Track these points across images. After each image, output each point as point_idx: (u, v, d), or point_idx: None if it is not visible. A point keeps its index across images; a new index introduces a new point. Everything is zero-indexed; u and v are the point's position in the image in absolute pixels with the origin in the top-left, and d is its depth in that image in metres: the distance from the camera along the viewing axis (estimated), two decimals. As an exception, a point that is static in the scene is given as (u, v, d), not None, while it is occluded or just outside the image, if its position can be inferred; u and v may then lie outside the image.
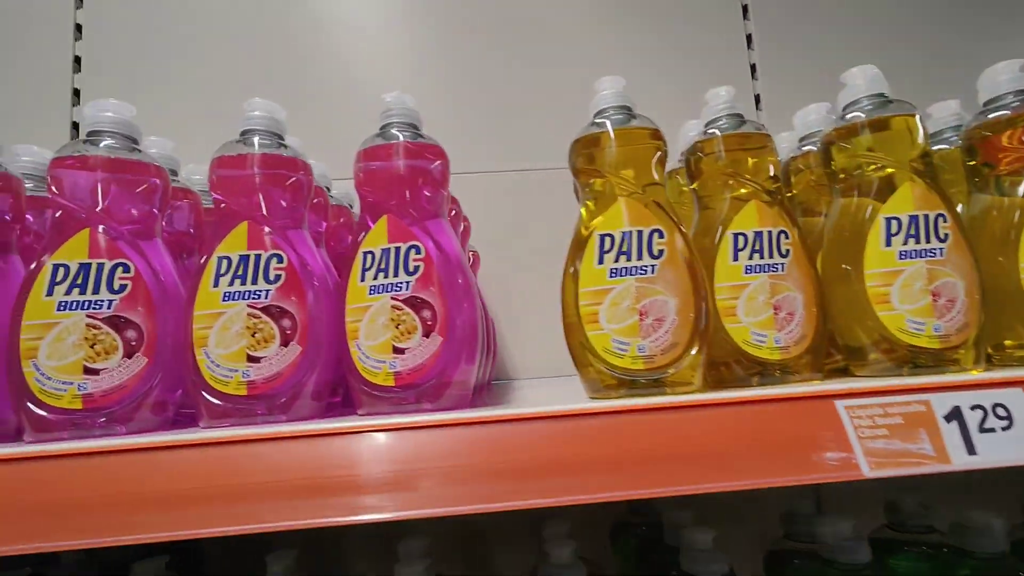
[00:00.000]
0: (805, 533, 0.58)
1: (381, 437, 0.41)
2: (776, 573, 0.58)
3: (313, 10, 1.20)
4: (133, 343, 0.48)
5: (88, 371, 0.46)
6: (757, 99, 1.20)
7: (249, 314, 0.48)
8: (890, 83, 0.55)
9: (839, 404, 0.42)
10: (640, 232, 0.49)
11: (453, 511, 0.40)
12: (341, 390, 0.58)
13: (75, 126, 1.17)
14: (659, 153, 0.51)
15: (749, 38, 1.23)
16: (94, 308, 0.47)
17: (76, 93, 1.19)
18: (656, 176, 0.51)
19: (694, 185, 0.57)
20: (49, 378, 0.46)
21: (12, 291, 0.50)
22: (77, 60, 1.20)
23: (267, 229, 0.50)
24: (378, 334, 0.49)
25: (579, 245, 0.51)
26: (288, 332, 0.49)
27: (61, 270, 0.47)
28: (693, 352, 0.48)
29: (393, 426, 0.41)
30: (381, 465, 0.39)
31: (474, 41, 1.18)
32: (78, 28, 1.21)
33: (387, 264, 0.50)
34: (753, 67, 1.22)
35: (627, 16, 1.23)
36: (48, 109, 1.17)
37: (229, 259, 0.49)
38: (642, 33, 1.22)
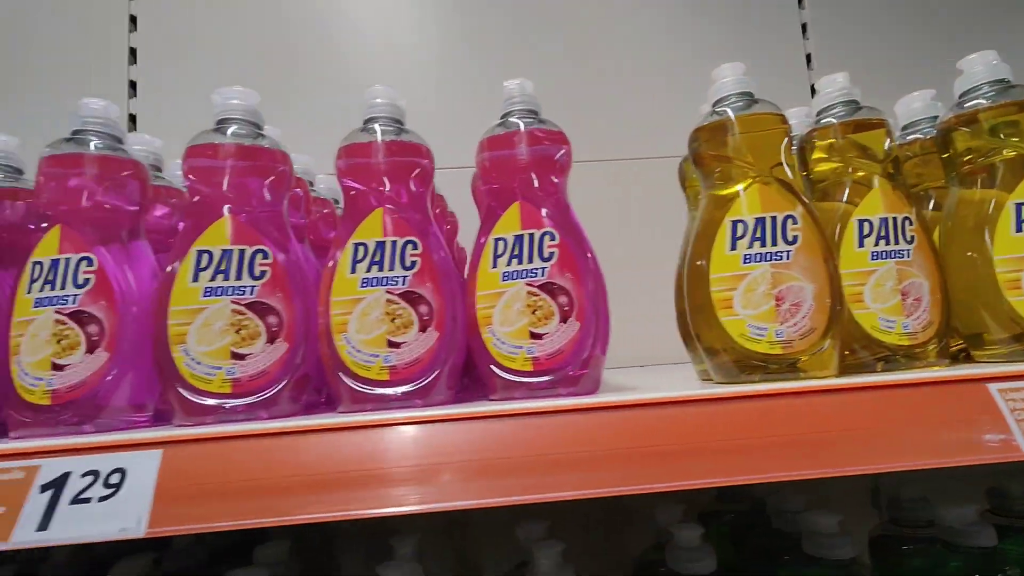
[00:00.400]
0: (915, 518, 0.59)
1: (540, 420, 0.42)
2: (886, 557, 0.59)
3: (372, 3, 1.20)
4: (274, 329, 0.48)
5: (235, 356, 0.47)
6: (812, 89, 1.20)
7: (388, 300, 0.49)
8: (956, 73, 0.55)
9: (992, 387, 0.42)
10: (774, 218, 0.49)
11: (611, 491, 0.40)
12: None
13: (132, 119, 1.17)
14: (786, 138, 0.52)
15: (804, 27, 1.23)
16: (237, 294, 0.48)
17: (132, 85, 1.19)
18: (784, 160, 0.51)
19: (808, 173, 0.57)
20: (199, 363, 0.46)
21: (145, 276, 0.51)
22: (132, 52, 1.20)
23: (400, 216, 0.50)
24: (514, 320, 0.49)
25: (707, 233, 0.51)
26: (425, 318, 0.49)
27: (205, 256, 0.48)
28: (831, 337, 0.48)
29: (551, 409, 0.42)
30: (556, 445, 0.40)
31: (507, 31, 1.18)
32: (132, 20, 1.21)
33: (521, 250, 0.50)
34: (808, 57, 1.22)
35: (679, 5, 1.23)
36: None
37: (365, 245, 0.49)
38: (695, 23, 1.22)
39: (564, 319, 0.49)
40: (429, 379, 0.48)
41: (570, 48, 1.18)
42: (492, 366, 0.50)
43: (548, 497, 0.39)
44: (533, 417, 0.42)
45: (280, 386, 0.48)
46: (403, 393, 0.48)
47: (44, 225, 0.60)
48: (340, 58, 1.17)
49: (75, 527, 0.37)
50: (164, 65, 1.20)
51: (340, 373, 0.48)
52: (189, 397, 0.46)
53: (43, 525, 0.37)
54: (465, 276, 0.53)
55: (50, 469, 0.39)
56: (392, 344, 0.48)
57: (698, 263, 0.51)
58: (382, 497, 0.38)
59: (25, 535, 0.37)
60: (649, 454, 0.41)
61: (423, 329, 0.49)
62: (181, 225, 0.57)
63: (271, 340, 0.48)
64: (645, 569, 0.57)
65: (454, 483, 0.39)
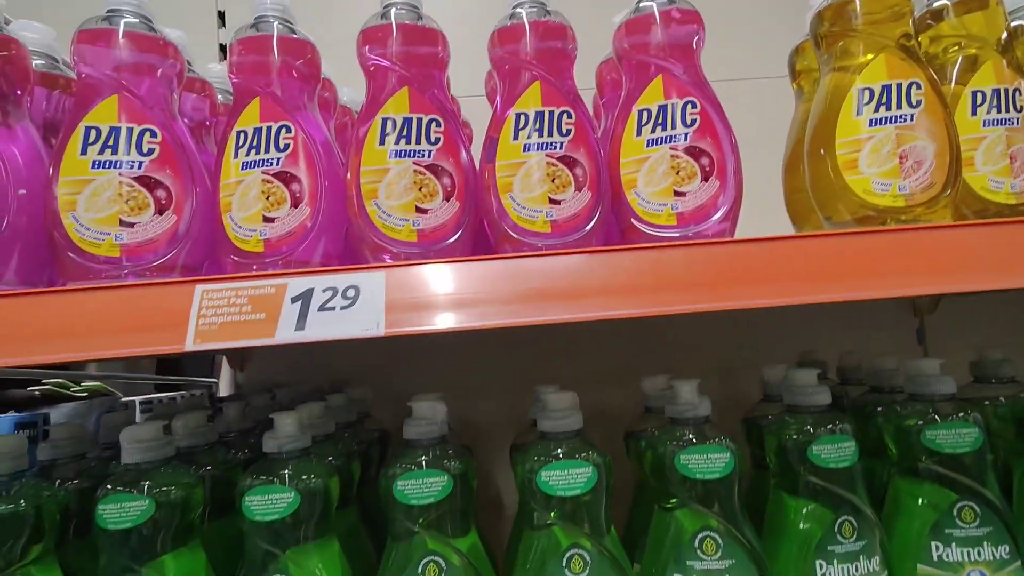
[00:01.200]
0: (999, 375, 0.65)
1: (689, 251, 0.48)
2: (980, 403, 0.64)
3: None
4: (449, 189, 0.55)
5: (419, 210, 0.54)
6: None
7: (548, 163, 0.55)
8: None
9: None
10: (899, 84, 0.54)
11: (752, 304, 0.46)
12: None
13: (222, 48, 1.23)
14: (910, 12, 0.56)
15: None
16: (418, 157, 0.54)
17: (221, 15, 1.24)
18: (911, 32, 0.55)
19: (923, 48, 0.61)
20: (389, 215, 0.53)
21: (323, 140, 0.57)
22: (219, -17, 1.25)
23: (553, 87, 0.56)
24: (659, 181, 0.55)
25: (833, 103, 0.56)
26: (580, 179, 0.55)
27: (389, 123, 0.54)
28: (949, 192, 0.53)
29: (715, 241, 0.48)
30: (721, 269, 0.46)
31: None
32: (217, -49, 1.26)
33: (664, 118, 0.55)
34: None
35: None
36: (196, 32, 1.22)
37: (526, 115, 0.55)
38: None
39: (706, 178, 0.54)
40: (585, 232, 0.55)
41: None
42: (634, 220, 0.56)
43: (706, 307, 0.46)
44: (690, 248, 0.48)
45: (455, 237, 0.55)
46: (564, 244, 0.54)
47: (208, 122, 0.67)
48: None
49: (325, 328, 0.44)
50: None
51: (506, 226, 0.55)
52: (382, 243, 0.53)
53: (299, 326, 0.45)
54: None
55: (296, 286, 0.46)
56: (553, 201, 0.54)
57: (822, 133, 0.56)
58: (577, 307, 0.45)
59: (287, 334, 0.44)
60: (782, 276, 0.47)
61: (579, 189, 0.55)
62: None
63: (447, 198, 0.55)
64: (764, 405, 0.64)
65: (625, 297, 0.46)
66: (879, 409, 0.65)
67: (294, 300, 0.45)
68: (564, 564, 0.50)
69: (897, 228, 0.48)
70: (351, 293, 0.46)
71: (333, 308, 0.45)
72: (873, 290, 0.46)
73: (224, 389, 1.16)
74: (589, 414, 0.55)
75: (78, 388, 0.83)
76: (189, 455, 0.62)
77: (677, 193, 0.55)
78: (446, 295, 0.46)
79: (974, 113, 0.57)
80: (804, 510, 0.56)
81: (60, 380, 0.87)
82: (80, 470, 0.62)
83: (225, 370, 1.15)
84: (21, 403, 0.80)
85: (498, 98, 0.58)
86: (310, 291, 0.46)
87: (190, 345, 0.44)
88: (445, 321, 0.45)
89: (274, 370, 1.07)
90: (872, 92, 0.54)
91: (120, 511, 0.52)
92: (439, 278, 0.47)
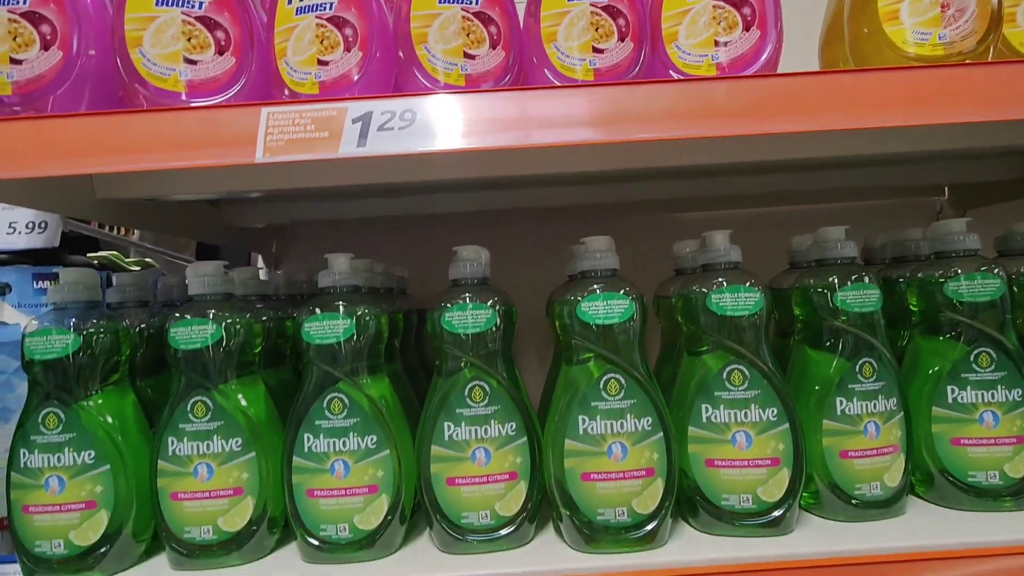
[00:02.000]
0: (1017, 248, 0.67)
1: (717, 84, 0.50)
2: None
3: None
4: (495, 37, 0.57)
5: (467, 55, 0.56)
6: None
7: (592, 12, 0.56)
8: None
9: None
10: (945, -67, 0.54)
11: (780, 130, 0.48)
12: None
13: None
14: None
15: None
16: (466, 4, 0.56)
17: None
18: None
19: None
20: (438, 58, 0.55)
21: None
22: None
23: (599, -60, 0.57)
24: (700, 32, 0.56)
25: (876, -45, 0.56)
26: (623, 30, 0.56)
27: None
28: (989, 39, 0.54)
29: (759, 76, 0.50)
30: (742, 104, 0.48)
31: None
32: None
33: (707, -30, 0.56)
34: None
35: None
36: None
37: (571, -36, 0.56)
38: None
39: (747, 28, 0.56)
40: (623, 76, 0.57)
41: None
42: (674, 73, 0.57)
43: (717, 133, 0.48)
44: (715, 82, 0.50)
45: (502, 84, 0.57)
46: (604, 92, 0.56)
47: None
48: None
49: (385, 144, 0.47)
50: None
51: (549, 74, 0.57)
52: (431, 87, 0.55)
53: (361, 143, 0.47)
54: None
55: (356, 108, 0.49)
56: (596, 50, 0.56)
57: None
58: (620, 130, 0.48)
59: (349, 148, 0.47)
60: (818, 106, 0.49)
61: (622, 39, 0.56)
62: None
63: (493, 47, 0.56)
64: (789, 273, 0.67)
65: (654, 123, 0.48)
66: (900, 280, 0.67)
67: (355, 121, 0.48)
68: (601, 387, 0.54)
69: (931, 64, 0.49)
70: (408, 116, 0.48)
71: (392, 128, 0.48)
72: (902, 118, 0.48)
73: (260, 289, 1.21)
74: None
75: (130, 261, 0.87)
76: (244, 301, 0.66)
77: (718, 44, 0.56)
78: (495, 119, 0.48)
79: (1019, -32, 0.57)
80: (826, 355, 0.59)
81: (114, 252, 0.92)
82: (144, 316, 0.67)
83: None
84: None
85: (542, -45, 0.59)
86: (369, 113, 0.48)
87: (260, 158, 0.47)
88: (498, 140, 0.48)
89: (309, 271, 1.11)
90: (918, -60, 0.54)
91: (190, 334, 0.56)
92: (490, 105, 0.49)
